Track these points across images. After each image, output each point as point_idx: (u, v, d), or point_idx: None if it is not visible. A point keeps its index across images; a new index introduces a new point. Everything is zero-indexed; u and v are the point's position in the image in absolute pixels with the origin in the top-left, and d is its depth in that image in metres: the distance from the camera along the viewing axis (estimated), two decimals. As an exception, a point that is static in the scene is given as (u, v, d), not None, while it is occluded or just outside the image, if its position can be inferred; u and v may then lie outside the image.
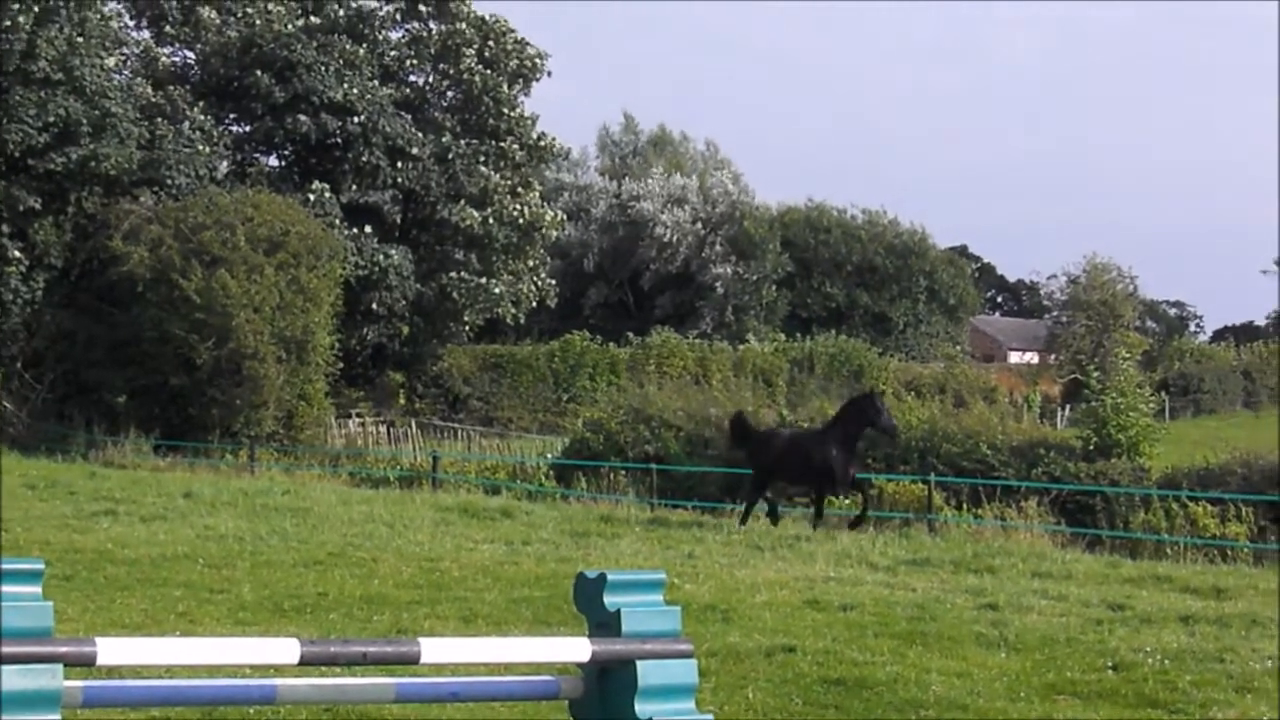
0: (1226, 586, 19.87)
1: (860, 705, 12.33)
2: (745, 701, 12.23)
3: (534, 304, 66.98)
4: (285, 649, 8.29)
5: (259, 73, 58.53)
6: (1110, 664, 13.97)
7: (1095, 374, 35.96)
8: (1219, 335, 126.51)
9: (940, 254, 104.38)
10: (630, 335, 76.05)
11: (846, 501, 29.89)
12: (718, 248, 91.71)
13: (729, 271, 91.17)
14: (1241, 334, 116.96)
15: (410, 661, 8.83)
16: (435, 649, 8.96)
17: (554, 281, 70.32)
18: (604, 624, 9.63)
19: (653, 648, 9.52)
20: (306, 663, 8.44)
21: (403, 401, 64.51)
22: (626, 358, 69.54)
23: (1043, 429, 38.13)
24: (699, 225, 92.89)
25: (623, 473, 36.51)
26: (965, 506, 30.79)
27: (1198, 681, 13.25)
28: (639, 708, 9.41)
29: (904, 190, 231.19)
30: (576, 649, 9.46)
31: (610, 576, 9.72)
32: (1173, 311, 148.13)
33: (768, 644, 14.49)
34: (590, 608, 9.79)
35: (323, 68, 59.03)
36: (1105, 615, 16.95)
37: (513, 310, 64.94)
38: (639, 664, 9.44)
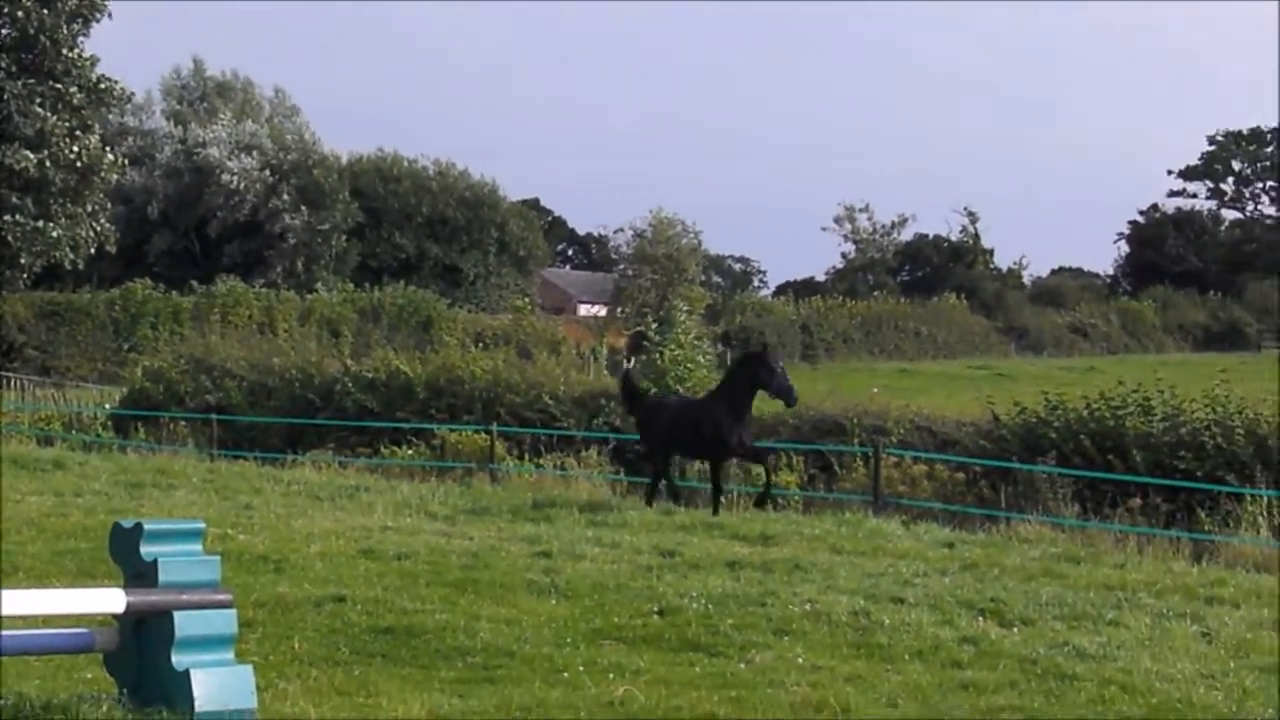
0: (774, 533, 20.44)
1: (408, 653, 12.37)
2: (291, 651, 12.15)
3: (94, 250, 65.09)
4: None
5: None
6: (656, 609, 14.27)
7: (655, 326, 36.61)
8: (780, 290, 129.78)
9: (511, 206, 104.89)
10: (195, 284, 74.53)
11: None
12: (286, 196, 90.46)
13: (299, 221, 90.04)
14: (802, 289, 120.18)
15: (-72, 616, 8.54)
16: (-43, 602, 8.69)
17: (114, 227, 68.39)
18: (141, 574, 9.48)
19: (190, 598, 9.40)
20: None
21: (-48, 351, 62.11)
22: (190, 306, 68.17)
23: (606, 380, 38.61)
24: (268, 173, 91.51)
25: (183, 423, 35.88)
26: (527, 456, 31.07)
27: (739, 625, 13.63)
28: (176, 659, 9.29)
29: (475, 143, 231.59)
30: (110, 600, 9.28)
31: (147, 526, 9.58)
32: (737, 266, 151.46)
33: (318, 594, 14.43)
34: (127, 558, 9.62)
35: None
36: (656, 562, 17.29)
37: (71, 256, 63.02)
38: (176, 615, 9.33)
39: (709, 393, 24.40)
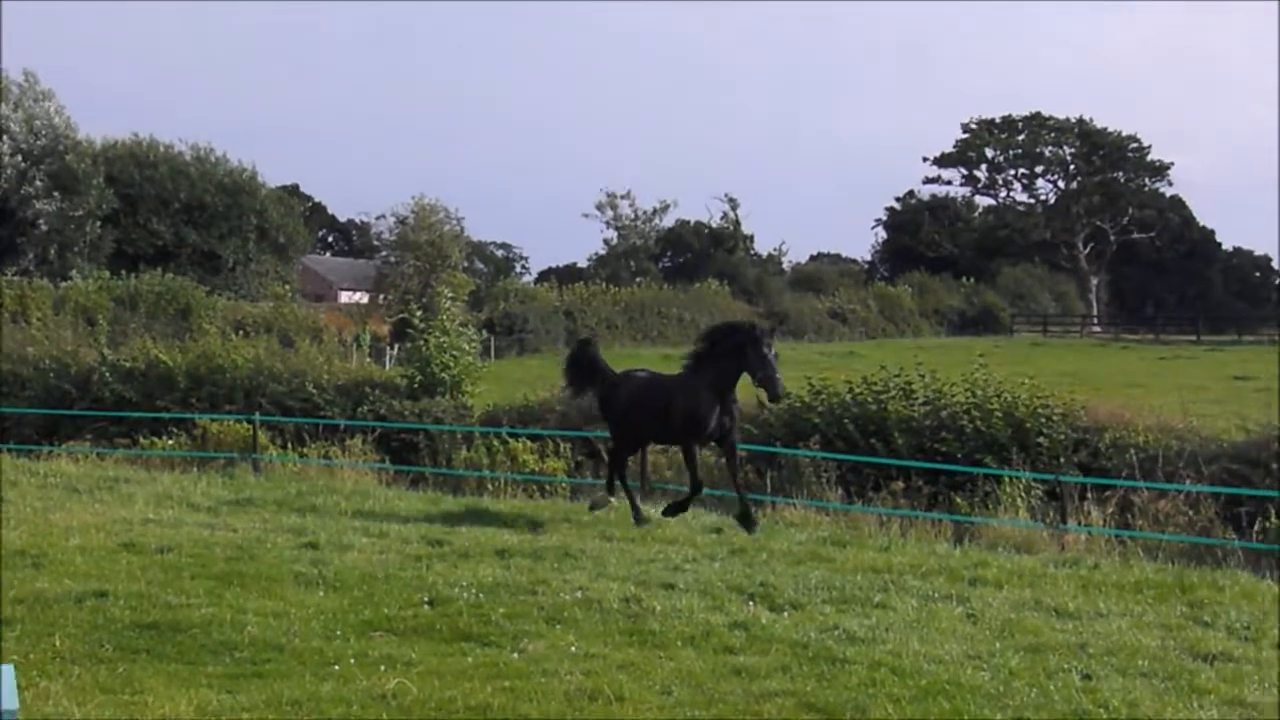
0: (543, 520, 20.44)
1: (173, 649, 12.12)
2: (52, 649, 11.85)
3: None
4: None
5: None
6: (427, 599, 14.17)
7: (419, 314, 36.35)
8: (543, 276, 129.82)
9: (271, 192, 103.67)
10: (-57, 273, 72.65)
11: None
12: (39, 182, 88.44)
13: (52, 207, 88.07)
14: (564, 275, 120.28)
15: None
16: None
17: None
18: (-106, 574, 9.14)
19: (-53, 597, 9.09)
20: None
21: None
22: (-62, 296, 66.38)
23: (370, 368, 38.27)
24: (19, 158, 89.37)
25: (-69, 415, 34.90)
26: (290, 445, 30.68)
27: (510, 614, 13.57)
28: (-69, 661, 8.98)
29: (233, 128, 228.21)
30: None
31: (-101, 523, 9.25)
32: (500, 253, 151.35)
33: (79, 589, 14.10)
34: (-122, 557, 9.27)
35: None
36: (425, 551, 17.18)
37: None
38: (-69, 615, 9.01)
39: (685, 367, 20.50)
